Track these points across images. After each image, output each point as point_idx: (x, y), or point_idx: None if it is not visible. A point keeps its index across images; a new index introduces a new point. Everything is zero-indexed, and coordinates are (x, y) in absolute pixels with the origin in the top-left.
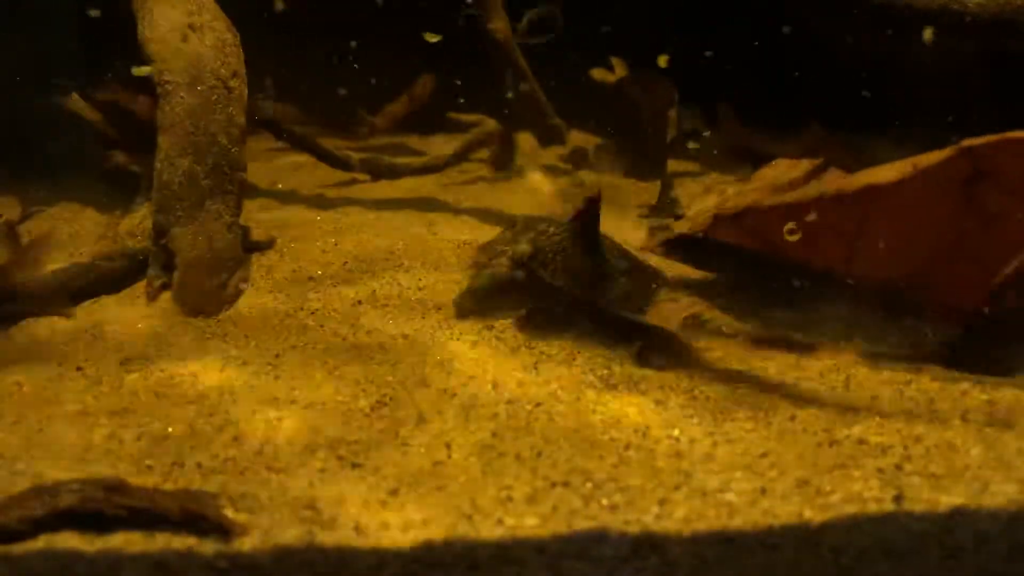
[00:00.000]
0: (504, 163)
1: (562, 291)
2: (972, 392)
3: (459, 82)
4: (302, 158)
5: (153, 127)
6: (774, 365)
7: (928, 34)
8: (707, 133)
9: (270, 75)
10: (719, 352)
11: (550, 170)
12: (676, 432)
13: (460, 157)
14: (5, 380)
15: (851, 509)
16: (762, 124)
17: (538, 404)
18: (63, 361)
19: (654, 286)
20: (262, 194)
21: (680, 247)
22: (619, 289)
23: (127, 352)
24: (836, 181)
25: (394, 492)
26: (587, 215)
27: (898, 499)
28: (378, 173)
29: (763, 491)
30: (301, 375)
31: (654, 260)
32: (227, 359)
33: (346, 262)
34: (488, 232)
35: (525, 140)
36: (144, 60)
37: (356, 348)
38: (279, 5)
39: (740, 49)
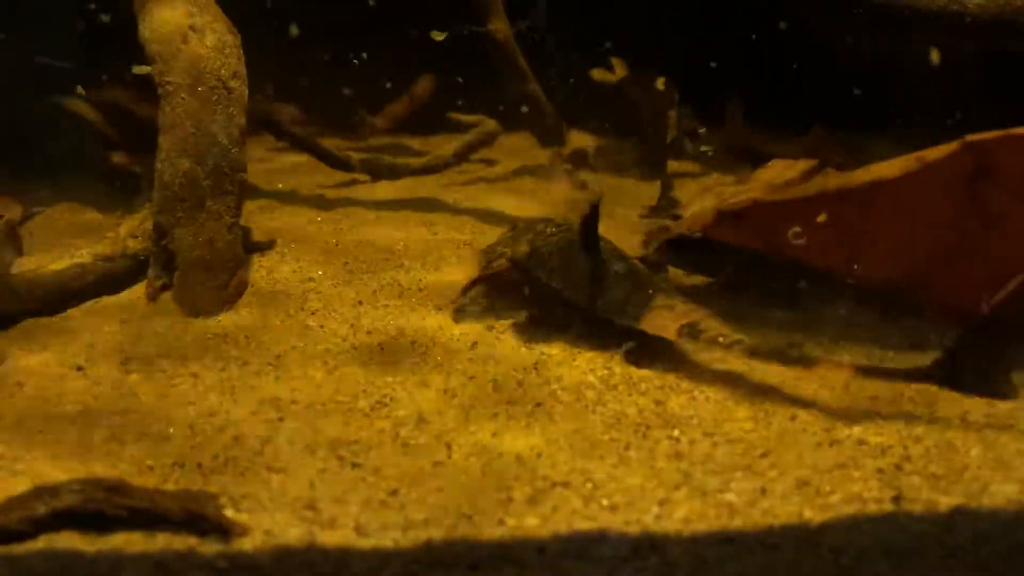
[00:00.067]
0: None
1: (559, 292)
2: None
3: (460, 80)
4: (302, 158)
5: (153, 128)
6: (775, 365)
7: (935, 56)
8: (703, 130)
9: (270, 76)
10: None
11: (549, 170)
12: (676, 432)
13: (460, 157)
14: (6, 380)
15: (851, 509)
16: (762, 124)
17: (538, 404)
18: (64, 361)
19: (651, 291)
20: (262, 194)
21: (678, 248)
22: (616, 293)
23: (128, 352)
24: (838, 178)
25: (394, 492)
26: (588, 218)
27: (898, 499)
28: (378, 173)
29: (763, 491)
30: (301, 375)
31: (652, 261)
32: (228, 359)
33: (346, 262)
34: (488, 232)
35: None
36: (145, 61)
37: (356, 348)
38: (294, 32)
39: (740, 49)
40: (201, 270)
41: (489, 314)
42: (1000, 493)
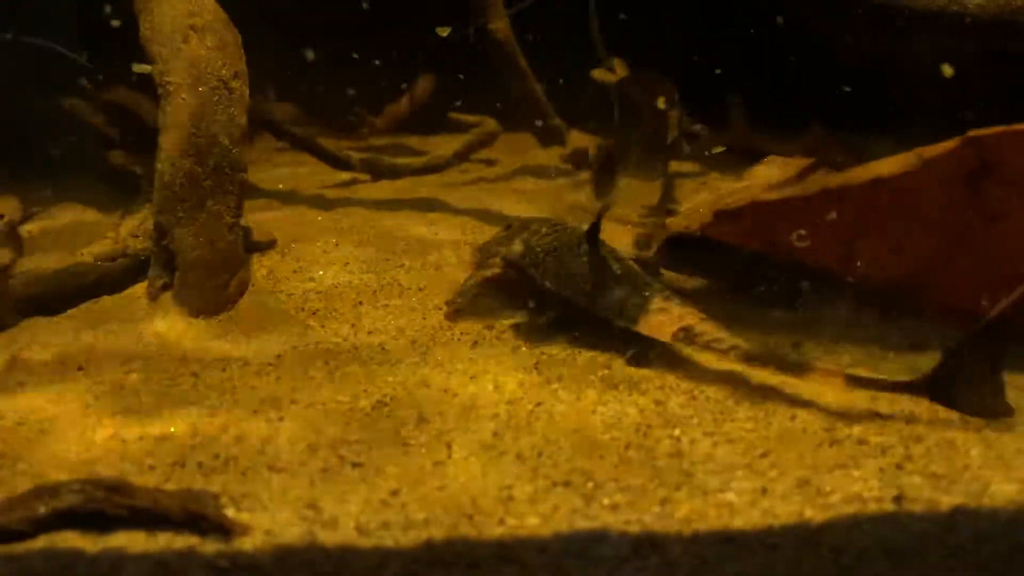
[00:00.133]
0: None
1: (551, 291)
2: None
3: (462, 76)
4: (302, 158)
5: (154, 127)
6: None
7: (948, 70)
8: (698, 125)
9: (271, 76)
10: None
11: (549, 171)
12: (677, 432)
13: (461, 157)
14: (7, 380)
15: (851, 509)
16: (762, 124)
17: (539, 404)
18: (65, 361)
19: (647, 293)
20: (263, 194)
21: (677, 248)
22: (613, 294)
23: (129, 352)
24: (838, 176)
25: (395, 492)
26: (595, 223)
27: (898, 499)
28: (379, 173)
29: (764, 491)
30: (302, 375)
31: (651, 262)
32: (228, 359)
33: (347, 262)
34: (489, 232)
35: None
36: (145, 60)
37: (357, 348)
38: (310, 56)
39: (740, 49)
40: (202, 270)
41: (486, 313)
42: (1001, 493)
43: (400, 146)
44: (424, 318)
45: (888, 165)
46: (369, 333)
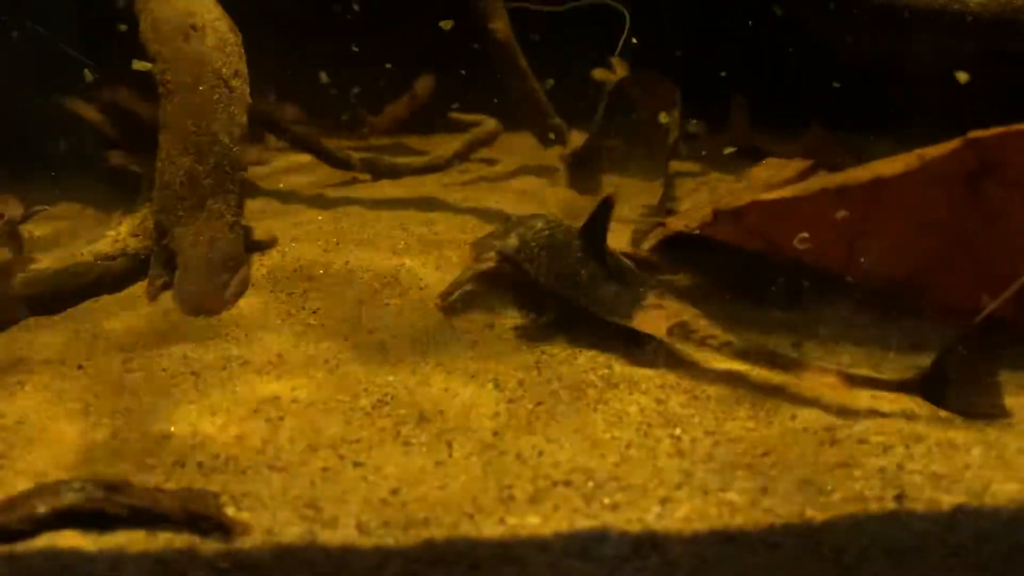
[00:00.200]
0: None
1: (545, 287)
2: None
3: (463, 72)
4: (303, 158)
5: (154, 127)
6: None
7: (963, 76)
8: (694, 122)
9: (271, 76)
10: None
11: (549, 171)
12: (678, 431)
13: (461, 157)
14: (7, 379)
15: (852, 508)
16: (762, 124)
17: (539, 403)
18: (65, 359)
19: (642, 289)
20: (263, 193)
21: (675, 246)
22: (607, 291)
23: (129, 351)
24: (838, 176)
25: (395, 491)
26: (595, 218)
27: (899, 498)
28: (379, 173)
29: (764, 490)
30: (303, 374)
31: (650, 261)
32: (229, 359)
33: (347, 261)
34: (489, 231)
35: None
36: (145, 58)
37: (357, 348)
38: (324, 79)
39: (739, 49)
40: (202, 269)
41: (486, 312)
42: (1002, 492)
43: (400, 146)
44: (425, 317)
45: (888, 165)
46: (369, 332)
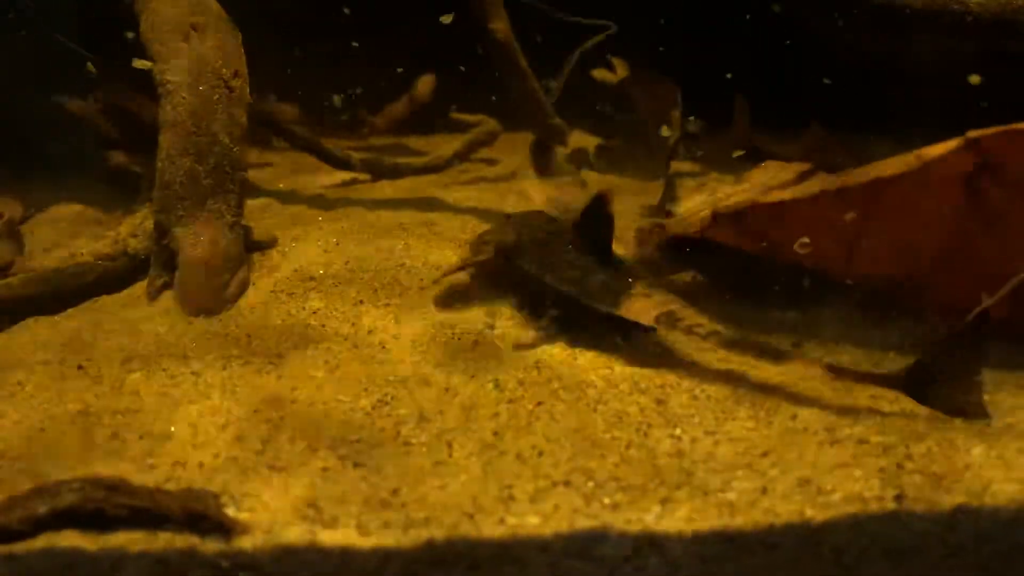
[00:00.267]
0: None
1: (539, 281)
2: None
3: (463, 72)
4: (302, 158)
5: (154, 127)
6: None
7: (975, 79)
8: (692, 118)
9: (271, 75)
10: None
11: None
12: (678, 431)
13: (461, 157)
14: (7, 379)
15: (852, 508)
16: (762, 124)
17: (539, 403)
18: (65, 360)
19: (630, 279)
20: (263, 194)
21: (675, 247)
22: (594, 279)
23: (129, 351)
24: (837, 177)
25: (395, 491)
26: (589, 213)
27: (899, 498)
28: (379, 173)
29: (764, 490)
30: (303, 374)
31: (650, 261)
32: (229, 358)
33: (347, 261)
34: None
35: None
36: (145, 57)
37: (357, 347)
38: (337, 102)
39: (739, 48)
40: (202, 269)
41: (480, 308)
42: (1002, 492)
43: (401, 146)
44: (424, 317)
45: (888, 166)
46: (369, 332)
